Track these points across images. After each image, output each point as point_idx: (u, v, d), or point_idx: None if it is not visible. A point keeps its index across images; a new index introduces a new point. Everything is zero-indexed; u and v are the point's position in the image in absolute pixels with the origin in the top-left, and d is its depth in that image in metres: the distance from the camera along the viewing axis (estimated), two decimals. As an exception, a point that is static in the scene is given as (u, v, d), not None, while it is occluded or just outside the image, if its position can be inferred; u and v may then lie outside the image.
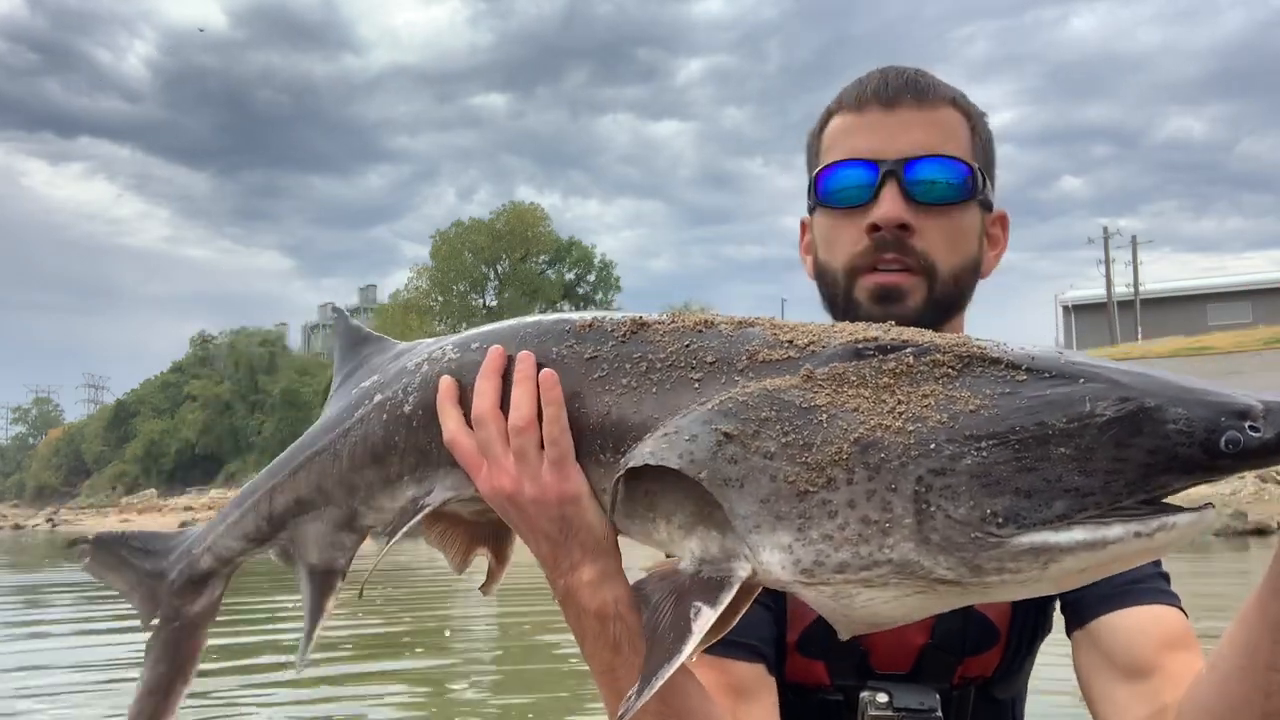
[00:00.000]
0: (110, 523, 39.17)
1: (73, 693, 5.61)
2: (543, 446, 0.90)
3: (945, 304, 1.13)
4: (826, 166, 1.15)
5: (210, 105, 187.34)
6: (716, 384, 0.84)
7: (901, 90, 1.13)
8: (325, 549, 1.07)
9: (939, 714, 1.12)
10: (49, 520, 50.97)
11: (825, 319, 1.19)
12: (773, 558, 0.78)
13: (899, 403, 0.77)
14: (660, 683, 0.77)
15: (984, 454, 0.74)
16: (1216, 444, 0.73)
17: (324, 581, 1.07)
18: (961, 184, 1.12)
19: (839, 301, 1.16)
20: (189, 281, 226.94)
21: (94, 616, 9.04)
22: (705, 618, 0.79)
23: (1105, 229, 47.55)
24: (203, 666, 1.23)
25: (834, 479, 0.76)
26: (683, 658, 0.78)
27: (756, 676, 1.13)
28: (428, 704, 5.39)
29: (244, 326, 70.35)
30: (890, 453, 0.75)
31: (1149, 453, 0.73)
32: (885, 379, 0.79)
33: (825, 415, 0.78)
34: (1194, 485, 0.76)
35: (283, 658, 6.28)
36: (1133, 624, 1.11)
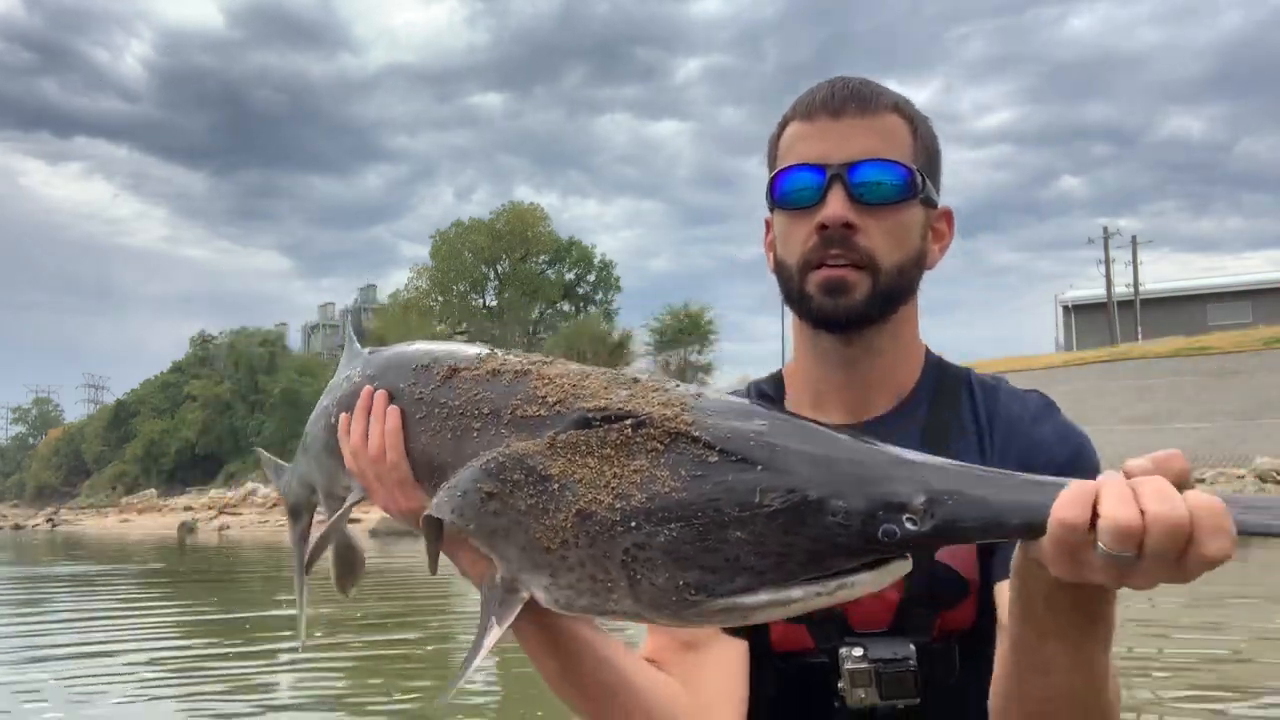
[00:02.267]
0: (110, 523, 39.19)
1: (78, 657, 5.61)
2: None
3: (890, 295, 1.24)
4: (780, 171, 1.26)
5: (207, 105, 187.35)
6: (488, 436, 0.97)
7: (847, 100, 1.23)
8: (328, 511, 1.33)
9: (913, 663, 1.17)
10: (49, 520, 51.02)
11: (784, 310, 1.31)
12: (539, 593, 0.92)
13: (614, 476, 0.87)
14: (457, 685, 0.96)
15: (674, 533, 0.84)
16: (874, 535, 0.80)
17: (342, 547, 1.36)
18: (902, 185, 1.22)
19: (794, 294, 1.27)
20: (188, 281, 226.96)
21: (94, 607, 9.06)
22: (493, 635, 0.96)
23: (1105, 229, 47.62)
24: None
25: (566, 541, 0.88)
26: (471, 667, 0.96)
27: (707, 633, 1.24)
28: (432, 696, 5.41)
29: (244, 326, 70.38)
30: (603, 525, 0.86)
31: (813, 540, 0.81)
32: (607, 450, 0.89)
33: (557, 484, 0.89)
34: (866, 559, 0.82)
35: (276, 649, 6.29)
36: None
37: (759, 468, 0.84)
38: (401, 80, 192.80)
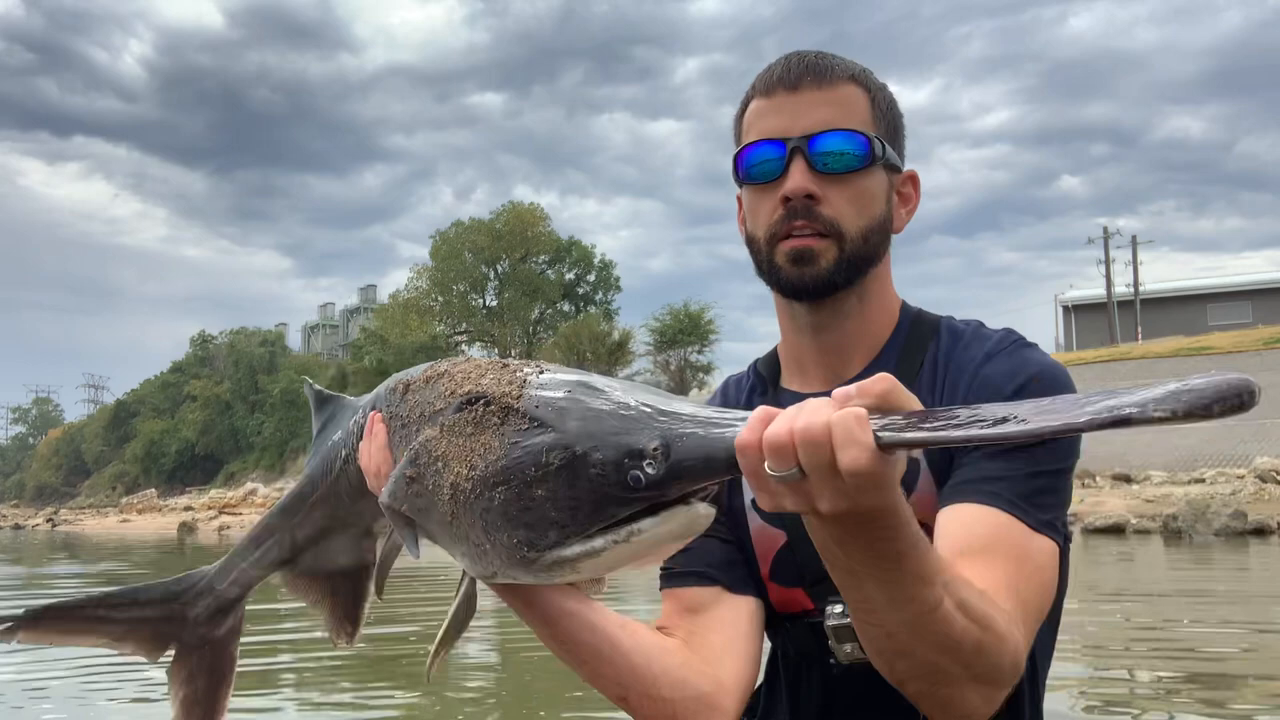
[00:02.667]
0: (110, 523, 39.22)
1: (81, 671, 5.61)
2: None
3: (855, 261, 1.26)
4: (743, 148, 1.29)
5: (206, 104, 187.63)
6: (418, 433, 1.06)
7: (803, 74, 1.26)
8: (354, 553, 1.38)
9: None
10: (49, 520, 51.00)
11: (758, 283, 1.35)
12: (461, 563, 1.02)
13: (470, 451, 0.96)
14: (433, 660, 1.22)
15: (502, 496, 0.92)
16: (627, 483, 0.87)
17: (361, 573, 1.38)
18: (862, 153, 1.24)
19: (764, 266, 1.30)
20: (187, 281, 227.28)
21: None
22: (451, 607, 1.17)
23: (1105, 229, 47.59)
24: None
25: (454, 513, 0.97)
26: (439, 635, 1.19)
27: (709, 596, 1.30)
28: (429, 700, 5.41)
29: (244, 326, 70.48)
30: (465, 495, 0.95)
31: (590, 493, 0.89)
32: (469, 429, 0.98)
33: (442, 463, 0.98)
34: (645, 506, 0.89)
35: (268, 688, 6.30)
36: (945, 522, 1.16)
37: (550, 430, 0.92)
38: (400, 80, 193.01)
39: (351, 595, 1.40)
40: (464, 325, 52.44)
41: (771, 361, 1.43)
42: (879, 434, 0.76)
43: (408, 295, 52.43)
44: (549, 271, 52.96)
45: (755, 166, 1.28)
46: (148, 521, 38.19)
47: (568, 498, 0.90)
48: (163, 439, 67.89)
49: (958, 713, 1.02)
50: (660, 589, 1.36)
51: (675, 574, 1.33)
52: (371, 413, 1.17)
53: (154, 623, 1.43)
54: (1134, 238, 47.74)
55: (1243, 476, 18.31)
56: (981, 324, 1.33)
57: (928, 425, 0.74)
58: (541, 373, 1.00)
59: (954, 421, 0.73)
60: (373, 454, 1.13)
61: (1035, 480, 1.16)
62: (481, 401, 0.99)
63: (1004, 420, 0.71)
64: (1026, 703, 1.28)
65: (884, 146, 1.27)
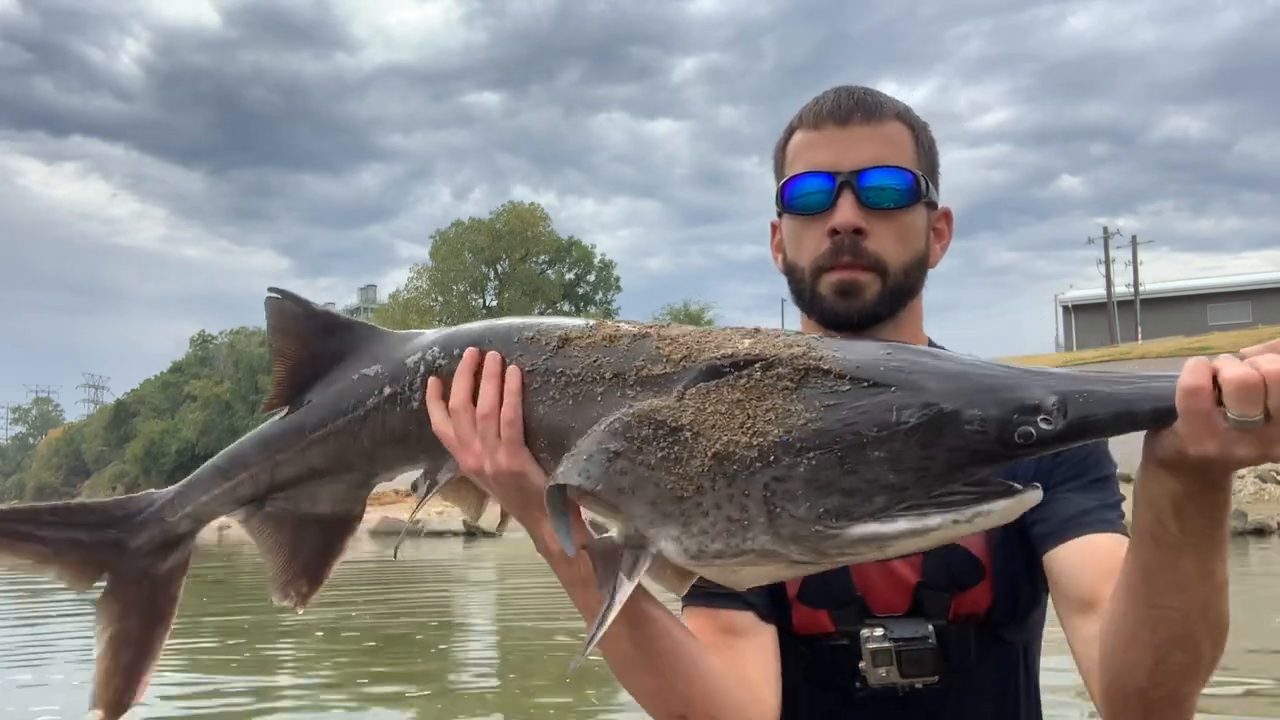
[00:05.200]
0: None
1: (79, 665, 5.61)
2: (500, 433, 1.08)
3: (897, 295, 1.29)
4: (791, 178, 1.30)
5: (203, 104, 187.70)
6: (613, 398, 1.01)
7: (853, 109, 1.28)
8: (342, 503, 1.24)
9: (933, 641, 1.23)
10: (49, 520, 50.92)
11: (794, 310, 1.36)
12: (667, 546, 0.95)
13: (748, 417, 0.92)
14: (594, 643, 0.98)
15: (813, 461, 0.89)
16: (1011, 438, 0.86)
17: (341, 526, 1.25)
18: (908, 189, 1.28)
19: (805, 295, 1.32)
20: (186, 281, 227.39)
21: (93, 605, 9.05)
22: (624, 589, 0.98)
23: (1105, 229, 47.57)
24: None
25: (701, 486, 0.92)
26: (608, 622, 0.97)
27: (746, 621, 1.29)
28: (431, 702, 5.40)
29: (244, 326, 70.35)
30: (740, 464, 0.91)
31: (951, 451, 0.87)
32: (738, 394, 0.94)
33: (690, 433, 0.93)
34: (1004, 466, 0.88)
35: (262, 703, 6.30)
36: (1076, 555, 1.21)
37: (893, 389, 0.89)
38: (397, 79, 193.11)
39: (320, 550, 1.23)
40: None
41: None
42: None
43: (408, 295, 52.45)
44: (549, 271, 52.99)
45: (803, 198, 1.29)
46: (148, 521, 38.07)
47: (917, 458, 0.87)
48: (163, 439, 67.80)
49: (1183, 714, 1.05)
50: (684, 605, 1.30)
51: (712, 593, 1.25)
52: (490, 353, 1.09)
53: (86, 547, 1.24)
54: (1134, 238, 47.76)
55: (1243, 476, 18.25)
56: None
57: None
58: (820, 339, 0.98)
59: None
60: (486, 395, 1.07)
61: (1120, 508, 1.24)
62: (758, 365, 0.95)
63: None
64: (1024, 693, 1.34)
65: (927, 184, 1.30)
